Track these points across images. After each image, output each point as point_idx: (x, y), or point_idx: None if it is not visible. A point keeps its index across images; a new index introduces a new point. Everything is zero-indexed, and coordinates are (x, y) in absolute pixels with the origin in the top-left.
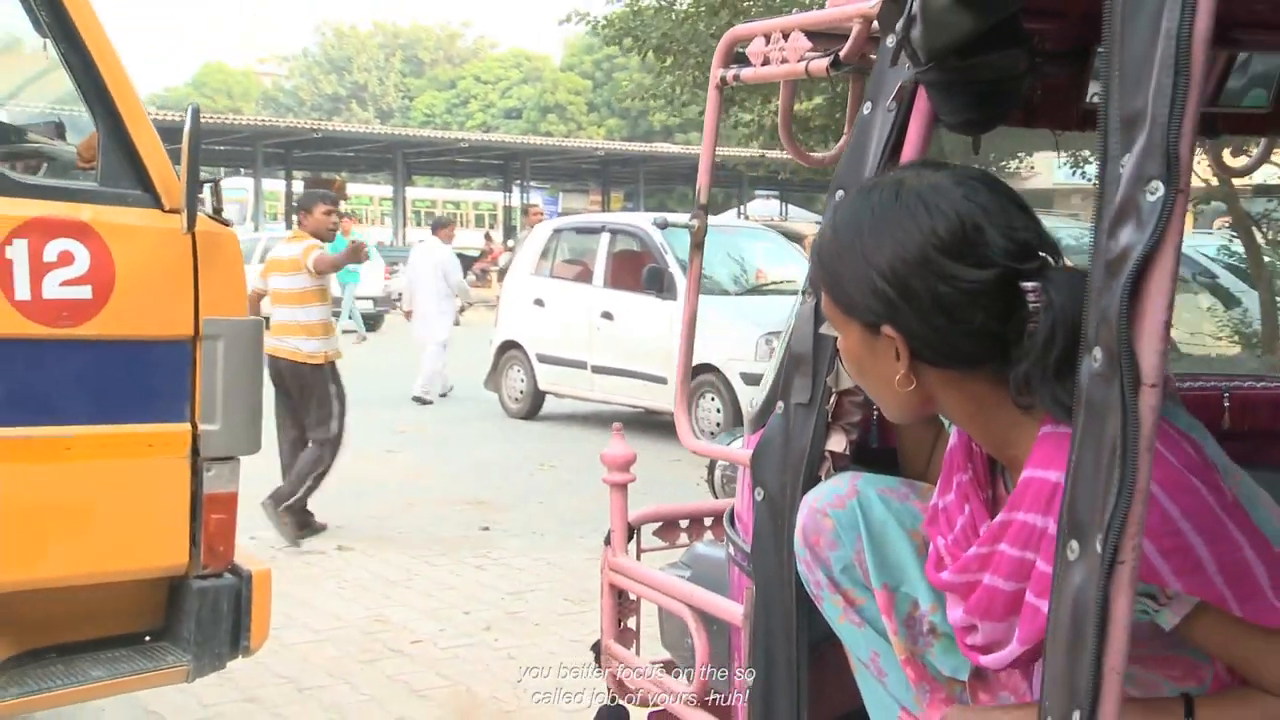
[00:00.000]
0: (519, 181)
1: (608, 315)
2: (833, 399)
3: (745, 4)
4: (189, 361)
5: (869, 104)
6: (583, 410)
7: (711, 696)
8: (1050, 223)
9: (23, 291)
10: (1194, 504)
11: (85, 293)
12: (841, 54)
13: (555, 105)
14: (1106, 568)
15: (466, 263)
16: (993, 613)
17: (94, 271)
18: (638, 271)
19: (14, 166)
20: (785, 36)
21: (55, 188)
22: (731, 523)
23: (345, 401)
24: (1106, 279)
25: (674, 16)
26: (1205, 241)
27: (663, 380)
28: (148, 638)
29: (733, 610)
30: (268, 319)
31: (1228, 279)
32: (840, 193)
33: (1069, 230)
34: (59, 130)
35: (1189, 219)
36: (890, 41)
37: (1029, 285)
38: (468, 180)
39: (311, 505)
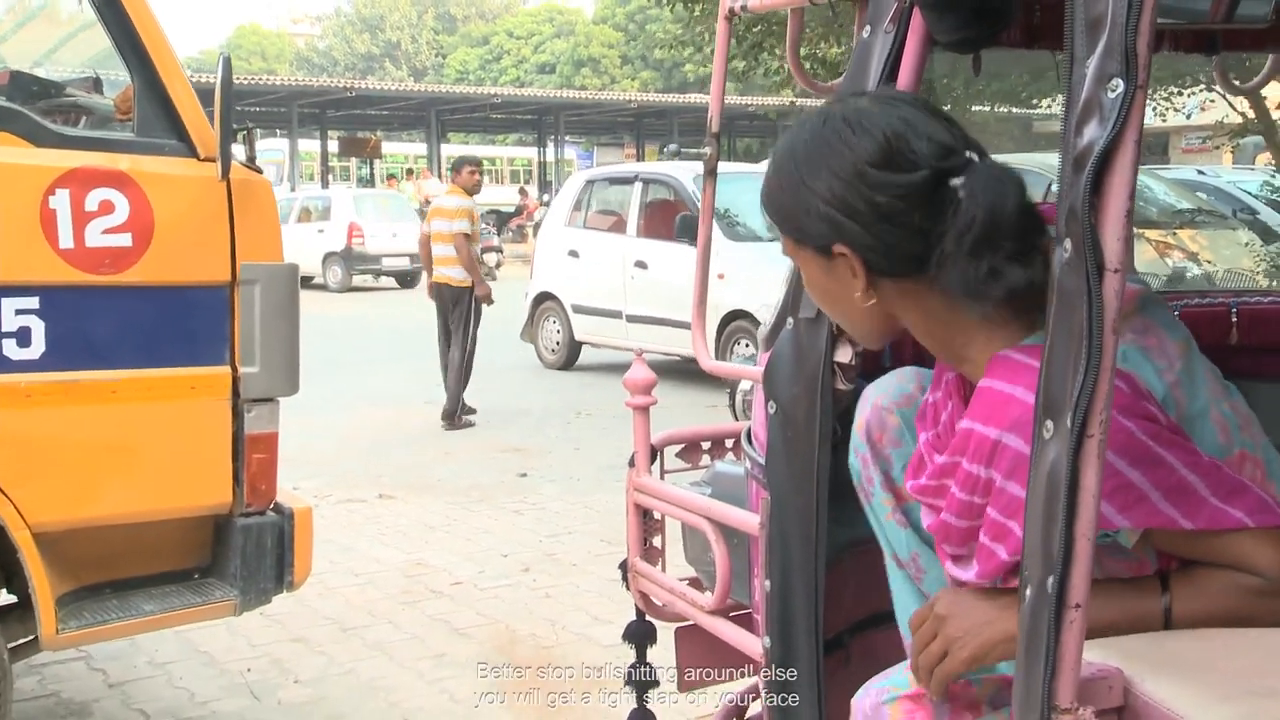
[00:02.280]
0: (553, 136)
1: (641, 264)
2: None
3: None
4: (227, 306)
5: (868, 27)
6: (619, 360)
7: (733, 608)
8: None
9: (66, 240)
10: (1126, 441)
11: (126, 240)
12: None
13: (589, 59)
14: (1076, 441)
15: (503, 218)
16: (951, 539)
17: (133, 220)
18: (670, 220)
19: (54, 120)
20: None
21: (94, 138)
22: (749, 440)
23: (479, 317)
24: (1073, 174)
25: None
26: (1244, 177)
27: None
28: (196, 574)
29: (750, 521)
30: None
31: (1269, 214)
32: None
33: None
34: (96, 85)
35: (1226, 154)
36: None
37: (955, 181)
38: (503, 136)
39: (347, 455)
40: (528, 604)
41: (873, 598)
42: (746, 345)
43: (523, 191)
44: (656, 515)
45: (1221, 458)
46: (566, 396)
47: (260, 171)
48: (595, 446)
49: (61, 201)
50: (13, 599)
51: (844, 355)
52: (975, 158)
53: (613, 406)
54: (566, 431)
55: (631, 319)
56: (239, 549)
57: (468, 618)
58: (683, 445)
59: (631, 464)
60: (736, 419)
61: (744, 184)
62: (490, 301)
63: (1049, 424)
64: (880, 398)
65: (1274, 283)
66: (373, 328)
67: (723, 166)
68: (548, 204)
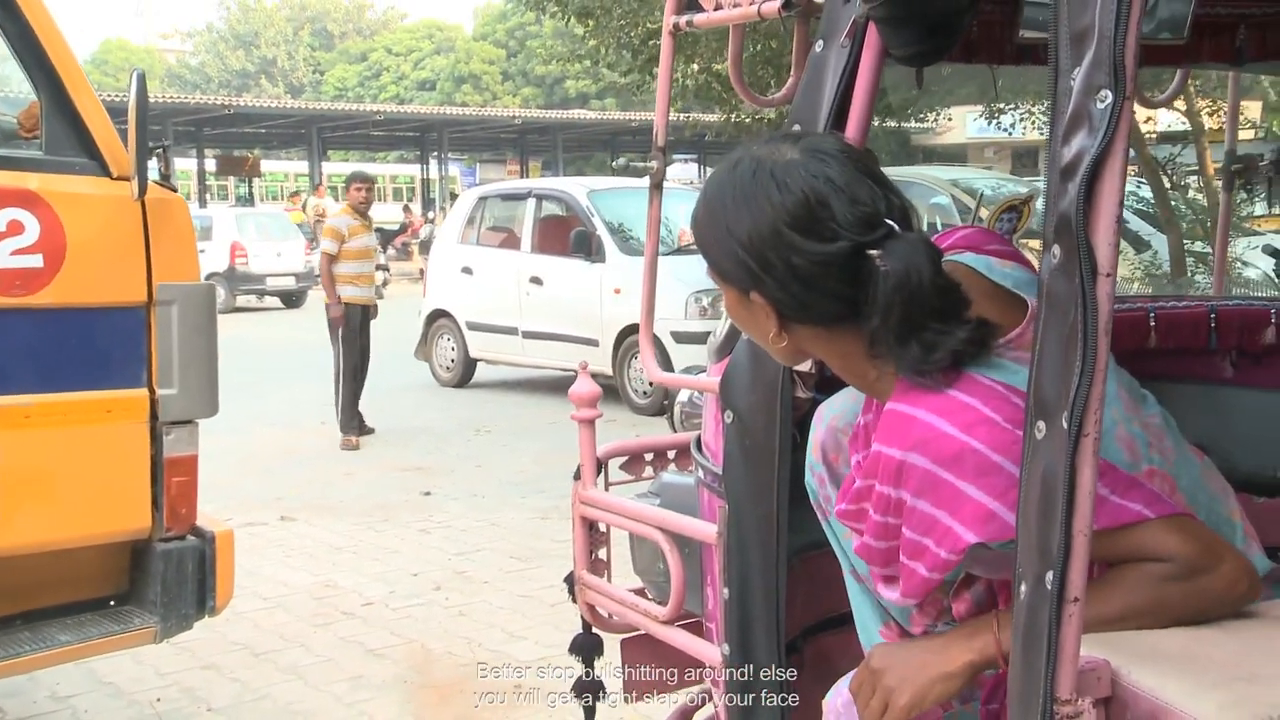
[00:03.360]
0: (436, 153)
1: (537, 280)
2: None
3: None
4: (144, 327)
5: (821, 42)
6: (515, 376)
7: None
8: (966, 174)
9: None
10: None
11: (37, 261)
12: None
13: (469, 75)
14: (1073, 441)
15: (387, 236)
16: (874, 560)
17: (44, 240)
18: (565, 236)
19: None
20: None
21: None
22: (699, 449)
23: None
24: (1061, 183)
25: None
26: None
27: (594, 343)
28: (112, 602)
29: (706, 530)
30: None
31: (1137, 223)
32: (796, 127)
33: (985, 181)
34: None
35: None
36: None
37: (874, 254)
38: (384, 154)
39: (245, 477)
40: (442, 622)
41: (824, 602)
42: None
43: (407, 209)
44: (602, 528)
45: (1129, 474)
46: (465, 414)
47: (175, 190)
48: (497, 463)
49: None
50: None
51: (803, 364)
52: (896, 227)
53: (511, 423)
54: (467, 449)
55: (527, 335)
56: (159, 575)
57: (382, 638)
58: (626, 458)
59: (577, 477)
60: (675, 430)
61: (629, 201)
62: (342, 322)
63: (1041, 425)
64: (834, 418)
65: (1149, 290)
66: (261, 348)
67: (614, 181)
68: (432, 221)
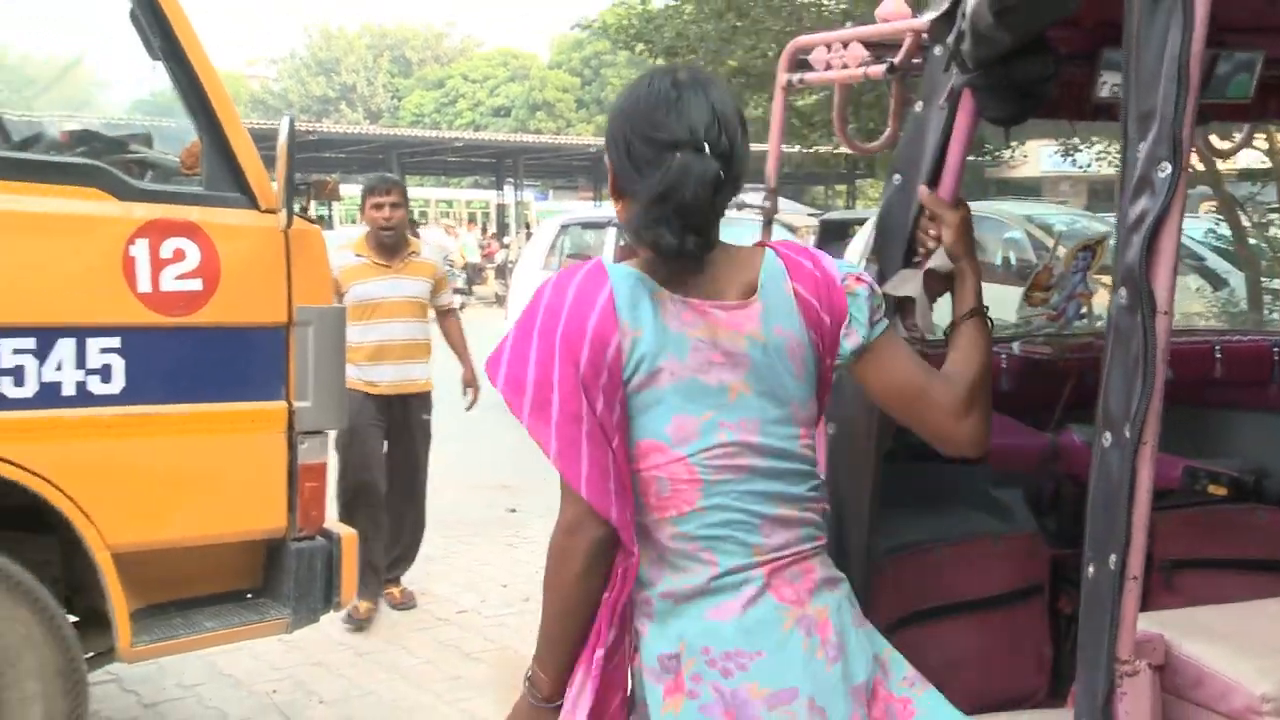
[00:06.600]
0: (511, 179)
1: None
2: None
3: (748, 5)
4: (284, 345)
5: (921, 103)
6: None
7: None
8: (1041, 210)
9: (144, 285)
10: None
11: (196, 285)
12: (896, 61)
13: (544, 103)
14: (1133, 448)
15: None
16: None
17: (203, 266)
18: None
19: (129, 174)
20: (845, 46)
21: (168, 192)
22: None
23: None
24: (1128, 237)
25: (684, 17)
26: (1192, 225)
27: None
28: (249, 595)
29: None
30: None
31: (1215, 261)
32: (897, 177)
33: (1060, 217)
34: (147, 139)
35: None
36: (939, 51)
37: (677, 155)
38: (458, 179)
39: None
40: (532, 630)
41: (908, 600)
42: None
43: (485, 230)
44: None
45: None
46: None
47: (314, 221)
48: None
49: (141, 250)
50: (74, 618)
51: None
52: (706, 149)
53: None
54: (550, 469)
55: None
56: (292, 571)
57: (477, 643)
58: None
59: None
60: None
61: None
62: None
63: (1107, 435)
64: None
65: (1227, 327)
66: None
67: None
68: (506, 246)
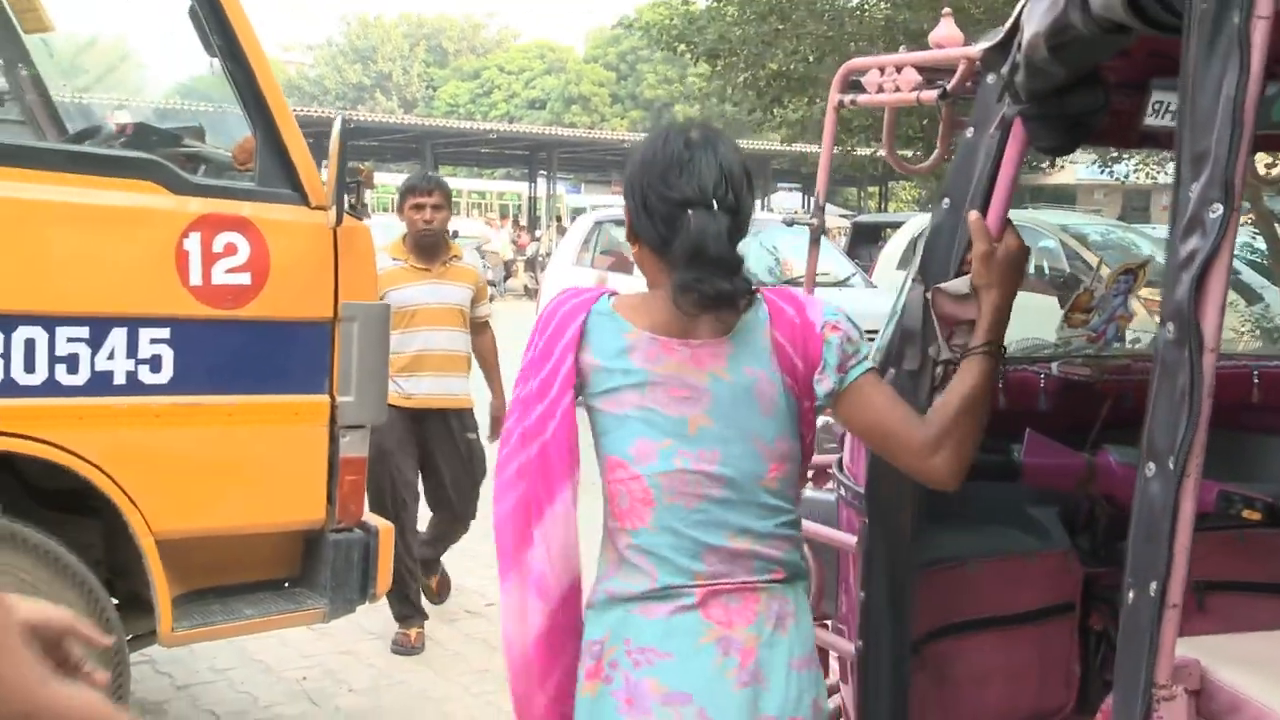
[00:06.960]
0: (544, 172)
1: None
2: (936, 369)
3: (790, 8)
4: (329, 340)
5: (973, 129)
6: None
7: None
8: (1076, 220)
9: (195, 278)
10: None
11: (245, 279)
12: (949, 87)
13: (579, 96)
14: (1177, 479)
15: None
16: None
17: (253, 260)
18: None
19: (183, 168)
20: (898, 70)
21: (221, 187)
22: (841, 469)
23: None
24: (1178, 273)
25: (726, 19)
26: None
27: None
28: (287, 584)
29: (846, 541)
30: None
31: (1249, 275)
32: (946, 200)
33: (1095, 227)
34: (199, 133)
35: None
36: (992, 80)
37: (689, 213)
38: (490, 170)
39: None
40: None
41: (942, 612)
42: None
43: (516, 223)
44: None
45: None
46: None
47: (361, 218)
48: None
49: (193, 243)
50: (114, 601)
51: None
52: (715, 206)
53: None
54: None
55: None
56: (329, 562)
57: None
58: None
59: None
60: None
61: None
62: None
63: (1151, 465)
64: None
65: (1259, 343)
66: None
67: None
68: (538, 239)
